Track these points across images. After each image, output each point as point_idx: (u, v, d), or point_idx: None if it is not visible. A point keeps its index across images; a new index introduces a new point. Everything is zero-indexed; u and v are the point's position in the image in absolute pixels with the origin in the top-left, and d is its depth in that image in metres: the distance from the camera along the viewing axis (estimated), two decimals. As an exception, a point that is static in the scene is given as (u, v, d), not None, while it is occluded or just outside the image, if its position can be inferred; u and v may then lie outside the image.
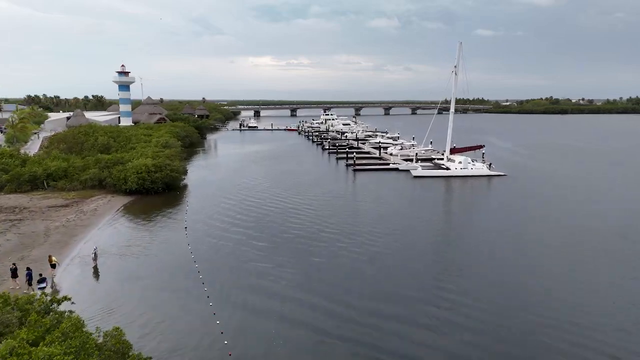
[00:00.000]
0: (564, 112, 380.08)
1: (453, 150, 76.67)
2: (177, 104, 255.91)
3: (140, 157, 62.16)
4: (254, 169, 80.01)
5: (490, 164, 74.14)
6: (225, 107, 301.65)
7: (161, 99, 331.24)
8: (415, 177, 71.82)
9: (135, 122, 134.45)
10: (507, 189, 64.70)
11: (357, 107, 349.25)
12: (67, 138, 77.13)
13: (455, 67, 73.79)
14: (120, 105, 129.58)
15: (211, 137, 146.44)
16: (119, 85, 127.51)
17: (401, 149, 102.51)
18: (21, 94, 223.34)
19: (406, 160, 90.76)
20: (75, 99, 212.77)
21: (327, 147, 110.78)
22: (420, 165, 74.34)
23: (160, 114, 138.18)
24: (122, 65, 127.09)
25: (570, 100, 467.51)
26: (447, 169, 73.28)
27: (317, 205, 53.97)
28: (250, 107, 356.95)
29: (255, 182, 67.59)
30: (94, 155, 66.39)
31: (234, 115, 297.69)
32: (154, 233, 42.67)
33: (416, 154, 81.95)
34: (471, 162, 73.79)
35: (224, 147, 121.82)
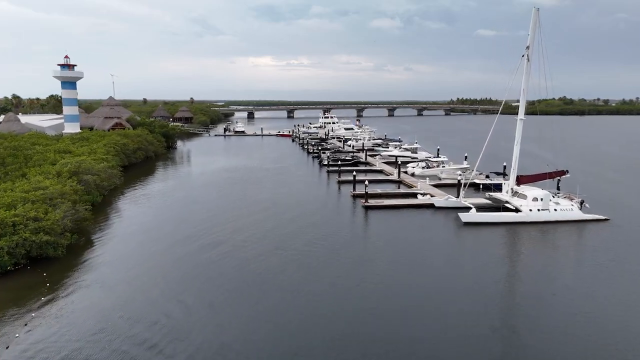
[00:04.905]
0: (581, 113, 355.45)
1: (521, 179, 49.18)
2: (161, 105, 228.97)
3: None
4: (213, 204, 52.87)
5: (583, 201, 46.84)
6: (215, 108, 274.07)
7: (144, 99, 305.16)
8: (466, 223, 44.76)
9: (89, 128, 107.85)
10: (622, 248, 37.75)
11: (359, 108, 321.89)
12: None
13: (527, 48, 46.41)
14: (64, 108, 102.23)
15: (186, 146, 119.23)
16: (62, 82, 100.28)
17: (426, 167, 75.42)
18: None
19: (437, 186, 63.68)
20: (30, 99, 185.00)
21: (327, 162, 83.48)
22: (473, 204, 46.89)
23: (118, 118, 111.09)
24: (66, 57, 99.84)
25: (585, 100, 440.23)
26: (516, 210, 45.87)
27: (294, 307, 26.87)
28: (242, 107, 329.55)
29: (202, 234, 40.53)
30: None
31: (225, 117, 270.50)
32: None
33: (459, 181, 54.53)
34: (552, 197, 46.64)
35: (195, 160, 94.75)
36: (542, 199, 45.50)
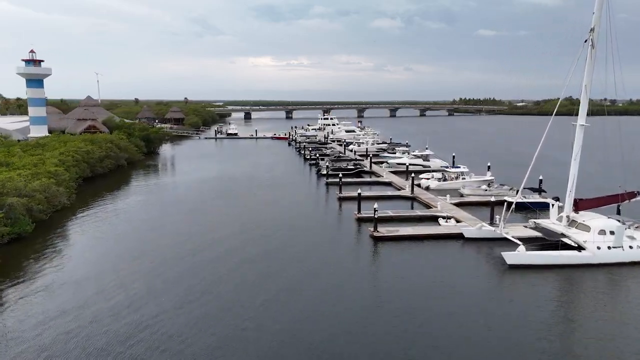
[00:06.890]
0: (589, 113, 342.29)
1: (580, 204, 37.53)
2: (153, 105, 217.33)
3: None
4: (180, 232, 41.26)
5: (663, 234, 35.33)
6: (210, 109, 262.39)
7: (136, 99, 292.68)
8: (512, 266, 33.26)
9: (62, 131, 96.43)
10: None
11: (360, 109, 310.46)
12: None
13: (591, 31, 35.01)
14: (30, 108, 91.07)
15: (170, 151, 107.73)
16: (27, 80, 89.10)
17: (443, 179, 63.98)
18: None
19: (460, 204, 52.18)
20: (5, 99, 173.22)
21: (325, 172, 71.90)
22: (517, 237, 35.27)
23: (93, 119, 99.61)
24: (32, 51, 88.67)
25: (592, 100, 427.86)
26: (579, 247, 34.39)
27: None
28: (239, 107, 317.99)
29: (158, 282, 29.06)
30: None
31: (221, 117, 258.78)
32: None
33: (492, 201, 42.99)
34: (628, 228, 35.05)
35: (177, 168, 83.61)
36: (612, 232, 33.96)
